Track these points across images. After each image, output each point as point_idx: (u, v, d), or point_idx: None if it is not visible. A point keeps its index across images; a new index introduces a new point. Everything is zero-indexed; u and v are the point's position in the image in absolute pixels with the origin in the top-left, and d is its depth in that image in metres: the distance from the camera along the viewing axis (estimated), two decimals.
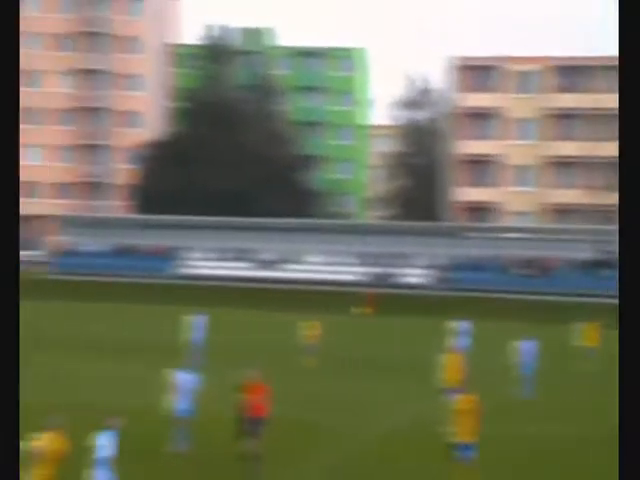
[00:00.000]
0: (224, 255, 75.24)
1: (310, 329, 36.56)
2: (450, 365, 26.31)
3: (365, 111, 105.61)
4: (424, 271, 71.44)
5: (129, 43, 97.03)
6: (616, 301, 28.00)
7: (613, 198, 70.25)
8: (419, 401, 28.66)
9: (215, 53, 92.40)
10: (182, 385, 21.58)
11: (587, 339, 37.35)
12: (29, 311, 50.93)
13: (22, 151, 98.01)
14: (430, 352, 32.50)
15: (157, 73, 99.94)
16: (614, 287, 48.08)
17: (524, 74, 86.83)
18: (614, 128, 70.43)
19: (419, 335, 45.80)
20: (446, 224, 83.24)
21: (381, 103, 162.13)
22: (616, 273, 49.31)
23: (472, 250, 72.55)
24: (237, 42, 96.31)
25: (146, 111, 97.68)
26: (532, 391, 29.76)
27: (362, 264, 72.59)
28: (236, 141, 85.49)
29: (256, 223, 76.54)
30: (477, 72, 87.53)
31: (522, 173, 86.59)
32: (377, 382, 32.26)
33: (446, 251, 72.69)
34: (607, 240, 66.21)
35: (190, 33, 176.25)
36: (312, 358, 35.27)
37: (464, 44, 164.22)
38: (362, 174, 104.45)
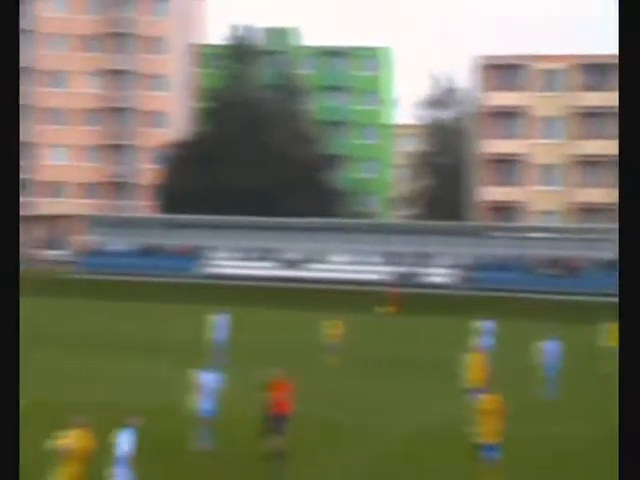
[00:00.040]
0: (248, 255, 75.40)
1: (334, 328, 36.57)
2: (474, 365, 26.23)
3: (390, 110, 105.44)
4: (448, 271, 71.25)
5: (154, 43, 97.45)
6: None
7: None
8: (443, 401, 28.60)
9: (240, 53, 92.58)
10: (206, 384, 21.66)
11: (613, 339, 37.09)
12: (55, 310, 51.29)
13: (48, 151, 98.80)
14: (454, 352, 32.42)
15: (182, 73, 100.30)
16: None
17: (550, 72, 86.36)
18: None
19: (443, 335, 45.68)
20: (471, 223, 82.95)
21: (406, 102, 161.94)
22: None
23: (497, 250, 72.27)
24: (262, 42, 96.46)
25: (171, 111, 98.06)
26: (556, 391, 29.60)
27: (386, 263, 72.51)
28: (261, 141, 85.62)
29: (280, 223, 76.65)
30: (502, 71, 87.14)
31: (548, 172, 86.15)
32: (401, 382, 32.21)
33: (471, 251, 72.47)
34: None
35: (215, 33, 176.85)
36: (336, 357, 35.28)
37: (489, 43, 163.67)
38: (386, 173, 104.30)
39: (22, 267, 17.16)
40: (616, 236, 55.11)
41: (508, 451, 19.33)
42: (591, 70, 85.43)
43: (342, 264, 72.83)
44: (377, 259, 73.01)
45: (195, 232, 78.18)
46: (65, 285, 64.40)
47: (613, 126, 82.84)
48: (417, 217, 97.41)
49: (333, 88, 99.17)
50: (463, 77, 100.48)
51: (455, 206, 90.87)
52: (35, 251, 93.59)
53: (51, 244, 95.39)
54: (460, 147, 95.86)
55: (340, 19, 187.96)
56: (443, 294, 64.38)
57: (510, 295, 62.04)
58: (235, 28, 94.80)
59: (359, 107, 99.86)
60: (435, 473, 20.40)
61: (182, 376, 25.78)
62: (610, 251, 67.61)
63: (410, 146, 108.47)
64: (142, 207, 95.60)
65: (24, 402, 23.99)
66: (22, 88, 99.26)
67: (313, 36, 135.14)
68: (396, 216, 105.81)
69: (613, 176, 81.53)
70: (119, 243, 78.91)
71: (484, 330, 36.83)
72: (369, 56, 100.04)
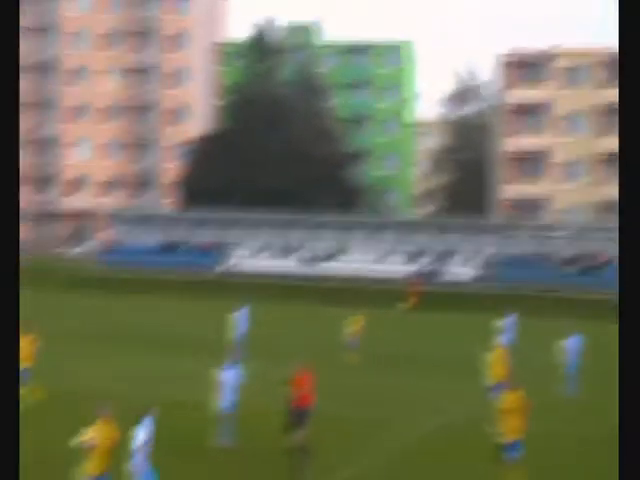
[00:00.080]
0: (271, 251, 75.54)
1: (355, 324, 36.58)
2: (496, 361, 26.19)
3: (412, 106, 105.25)
4: (471, 267, 71.07)
5: (177, 41, 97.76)
6: None
7: None
8: (464, 398, 28.57)
9: (262, 50, 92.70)
10: (227, 380, 21.72)
11: None
12: (77, 305, 51.64)
13: (72, 148, 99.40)
14: (476, 349, 32.37)
15: (205, 70, 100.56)
16: None
17: (573, 68, 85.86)
18: None
19: (465, 331, 45.60)
20: (493, 220, 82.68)
21: (428, 98, 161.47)
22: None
23: (520, 246, 71.99)
24: (284, 38, 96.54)
25: (194, 108, 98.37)
26: (577, 389, 29.50)
27: (408, 260, 72.43)
28: (283, 137, 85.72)
29: (303, 219, 76.70)
30: (526, 66, 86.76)
31: (571, 168, 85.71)
32: (422, 378, 32.20)
33: (493, 247, 72.24)
34: None
35: (237, 30, 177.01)
36: (357, 353, 35.30)
37: (512, 37, 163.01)
38: (409, 170, 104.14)
39: (46, 263, 17.27)
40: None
41: (530, 448, 19.30)
42: (615, 65, 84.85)
43: (364, 261, 72.82)
44: (399, 255, 72.94)
45: (217, 228, 78.41)
46: (88, 281, 64.78)
47: None
48: (439, 213, 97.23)
49: (355, 84, 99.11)
50: (486, 72, 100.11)
51: (477, 202, 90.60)
52: (58, 247, 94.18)
53: (74, 240, 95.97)
54: (483, 143, 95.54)
55: (361, 13, 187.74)
56: (465, 290, 64.26)
57: (532, 292, 61.82)
58: (257, 25, 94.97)
59: (381, 103, 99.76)
60: (456, 470, 20.39)
61: (203, 372, 25.91)
62: None
63: (432, 142, 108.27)
64: (165, 203, 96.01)
65: (42, 392, 24.20)
66: (47, 86, 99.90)
67: (334, 31, 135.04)
68: (418, 212, 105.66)
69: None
70: (142, 239, 79.27)
71: (506, 326, 36.74)
72: (391, 51, 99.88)
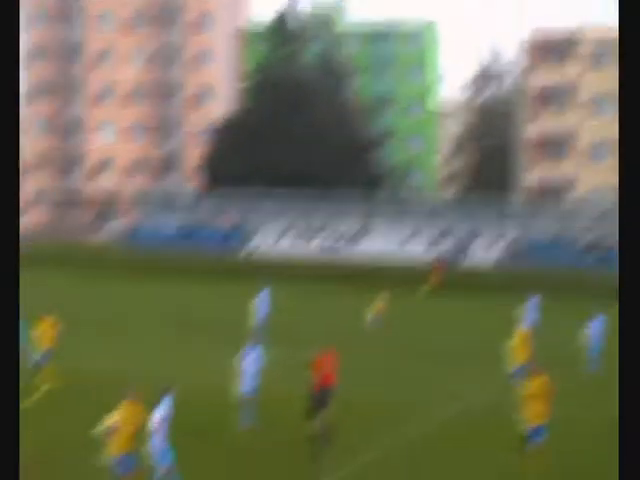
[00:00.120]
0: (294, 234, 75.61)
1: (378, 306, 36.50)
2: (519, 344, 26.09)
3: (435, 88, 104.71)
4: (494, 250, 70.81)
5: (201, 24, 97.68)
6: None
7: None
8: (486, 384, 28.47)
9: (285, 33, 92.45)
10: (248, 364, 21.70)
11: None
12: (100, 287, 51.91)
13: (96, 131, 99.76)
14: (500, 332, 32.25)
15: (228, 53, 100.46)
16: None
17: (599, 50, 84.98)
18: None
19: (487, 316, 45.44)
20: (518, 201, 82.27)
21: (452, 80, 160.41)
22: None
23: (545, 228, 71.63)
24: (307, 22, 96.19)
25: (218, 90, 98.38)
26: (601, 371, 29.35)
27: (433, 242, 72.27)
28: (306, 121, 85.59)
29: (326, 202, 76.68)
30: (550, 47, 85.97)
31: (596, 151, 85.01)
32: (444, 364, 32.10)
33: (518, 229, 71.92)
34: None
35: (261, 13, 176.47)
36: (379, 336, 35.26)
37: (538, 18, 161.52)
38: (433, 152, 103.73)
39: (70, 247, 17.27)
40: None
41: (553, 433, 19.21)
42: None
43: (387, 243, 72.74)
44: (423, 237, 72.80)
45: (241, 210, 78.56)
46: (112, 262, 65.10)
47: None
48: (464, 195, 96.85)
49: (378, 67, 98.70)
50: (511, 54, 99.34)
51: (501, 185, 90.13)
52: (82, 230, 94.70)
53: (98, 223, 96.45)
54: (506, 126, 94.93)
55: None
56: (489, 272, 64.04)
57: (557, 273, 61.51)
58: (281, 7, 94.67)
59: (404, 85, 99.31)
60: (476, 456, 20.33)
61: (224, 356, 25.96)
62: None
63: (456, 124, 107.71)
64: (188, 186, 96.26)
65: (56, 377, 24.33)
66: (71, 69, 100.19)
67: (358, 12, 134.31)
68: (442, 194, 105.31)
69: None
70: (165, 222, 79.57)
71: (529, 307, 36.60)
72: (414, 33, 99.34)
